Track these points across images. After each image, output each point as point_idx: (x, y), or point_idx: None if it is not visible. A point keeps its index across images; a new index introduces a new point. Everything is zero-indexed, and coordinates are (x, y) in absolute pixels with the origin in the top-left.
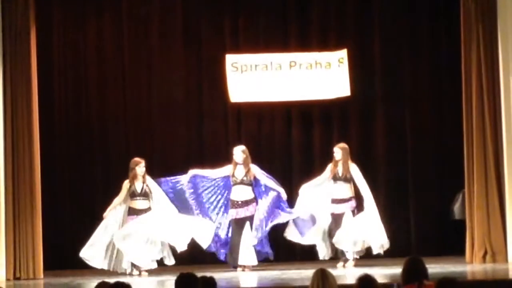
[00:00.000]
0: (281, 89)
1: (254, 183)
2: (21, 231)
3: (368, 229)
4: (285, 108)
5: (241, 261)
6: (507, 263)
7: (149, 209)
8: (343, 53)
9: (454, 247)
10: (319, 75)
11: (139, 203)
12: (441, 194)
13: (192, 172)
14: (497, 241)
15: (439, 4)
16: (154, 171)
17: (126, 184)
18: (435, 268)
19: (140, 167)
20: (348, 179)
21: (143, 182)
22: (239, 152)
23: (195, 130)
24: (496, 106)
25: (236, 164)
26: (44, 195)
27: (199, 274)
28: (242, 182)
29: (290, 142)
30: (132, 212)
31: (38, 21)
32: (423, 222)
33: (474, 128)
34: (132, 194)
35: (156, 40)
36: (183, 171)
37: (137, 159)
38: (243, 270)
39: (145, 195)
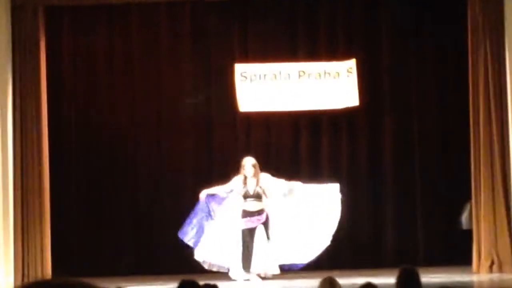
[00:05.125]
0: (290, 99)
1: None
2: (30, 238)
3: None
4: (294, 118)
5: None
6: None
7: (262, 211)
8: (352, 63)
9: (461, 257)
10: (327, 85)
11: (251, 205)
12: (449, 203)
13: (204, 193)
14: (504, 251)
15: (447, 15)
16: (163, 181)
17: (236, 180)
18: (442, 277)
19: (249, 167)
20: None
21: (256, 183)
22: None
23: (204, 140)
24: (503, 116)
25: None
26: (53, 203)
27: (202, 282)
28: (254, 195)
29: (299, 151)
30: (245, 214)
31: (47, 30)
32: (430, 231)
33: (481, 138)
34: (245, 195)
35: (165, 49)
36: (192, 180)
37: (248, 158)
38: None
39: (258, 196)
